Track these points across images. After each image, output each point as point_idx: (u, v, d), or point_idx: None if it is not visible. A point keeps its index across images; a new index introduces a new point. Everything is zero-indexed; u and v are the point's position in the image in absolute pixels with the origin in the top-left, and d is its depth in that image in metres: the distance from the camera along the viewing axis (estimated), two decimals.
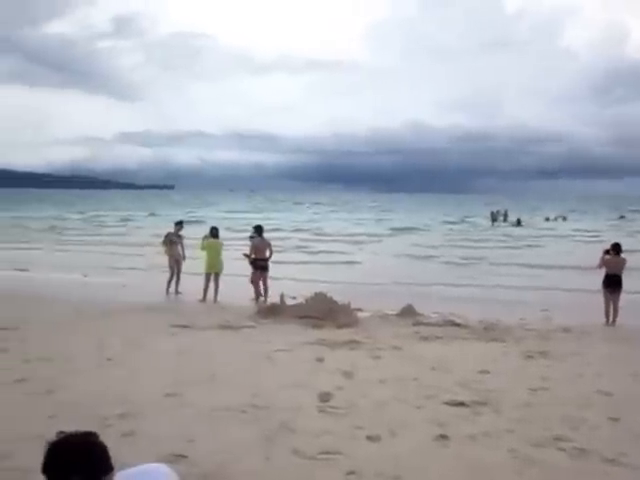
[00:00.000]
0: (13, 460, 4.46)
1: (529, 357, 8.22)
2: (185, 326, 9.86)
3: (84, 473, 2.34)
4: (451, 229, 43.70)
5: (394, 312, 11.22)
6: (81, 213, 61.32)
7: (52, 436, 4.53)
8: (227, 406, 5.74)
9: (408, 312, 11.10)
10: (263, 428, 5.21)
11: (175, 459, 4.37)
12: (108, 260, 21.12)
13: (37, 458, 4.26)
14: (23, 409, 5.59)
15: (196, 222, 36.83)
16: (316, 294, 11.07)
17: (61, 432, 2.66)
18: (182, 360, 7.69)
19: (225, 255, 13.80)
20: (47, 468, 2.38)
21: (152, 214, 58.20)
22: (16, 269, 18.09)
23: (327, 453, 4.73)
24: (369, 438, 5.03)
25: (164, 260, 14.40)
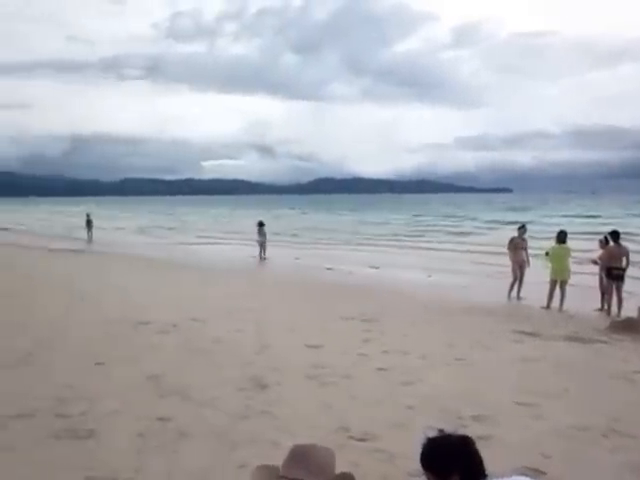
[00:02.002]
0: (378, 442, 4.86)
1: None
2: (530, 333, 9.55)
3: (463, 473, 2.42)
4: None
5: None
6: (425, 216, 64.44)
7: (413, 426, 4.85)
8: (584, 426, 5.32)
9: None
10: (628, 459, 4.68)
11: (532, 473, 4.20)
12: (449, 262, 21.77)
13: (401, 444, 4.63)
14: (385, 396, 6.09)
15: (531, 225, 35.27)
16: None
17: (441, 430, 2.80)
18: (529, 368, 7.44)
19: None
20: (427, 460, 2.52)
21: (491, 219, 57.57)
22: (370, 267, 20.12)
23: None
24: None
25: (506, 264, 14.27)
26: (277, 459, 4.61)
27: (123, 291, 13.43)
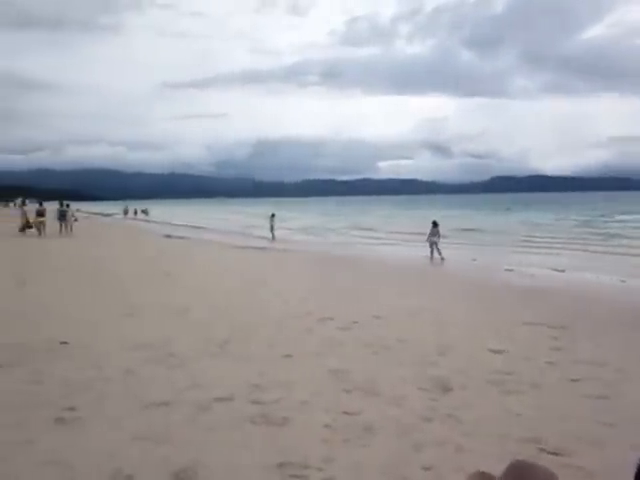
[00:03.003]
0: (574, 458, 4.52)
1: None
2: None
3: None
4: None
5: None
6: (612, 216, 59.21)
7: (613, 444, 4.47)
8: None
9: None
10: None
11: None
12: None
13: (600, 463, 4.30)
14: (578, 410, 5.68)
15: None
16: None
17: None
18: None
19: None
20: None
21: None
22: (554, 269, 18.91)
23: None
24: None
25: None
26: (463, 464, 4.54)
27: (305, 287, 14.08)
